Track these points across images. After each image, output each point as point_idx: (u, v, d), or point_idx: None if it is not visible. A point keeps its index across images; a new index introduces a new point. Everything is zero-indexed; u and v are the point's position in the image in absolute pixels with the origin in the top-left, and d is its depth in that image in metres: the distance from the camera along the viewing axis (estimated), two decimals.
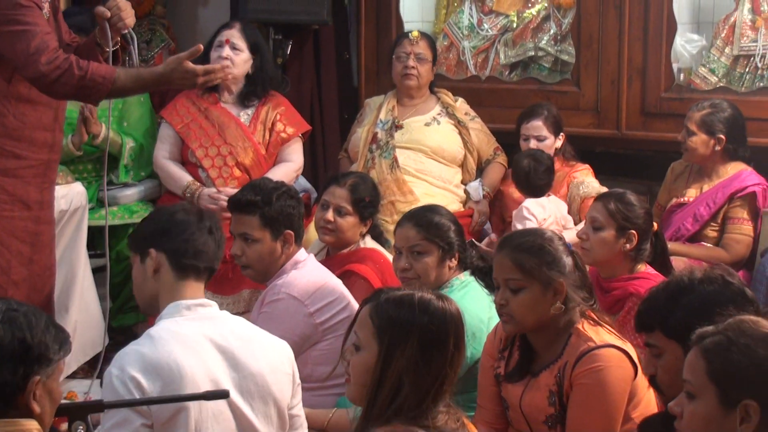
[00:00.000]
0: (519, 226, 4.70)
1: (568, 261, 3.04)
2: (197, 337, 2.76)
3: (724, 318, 2.43)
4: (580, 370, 2.95)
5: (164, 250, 2.87)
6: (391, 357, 2.38)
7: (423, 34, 5.39)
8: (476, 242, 3.85)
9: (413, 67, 5.26)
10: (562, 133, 5.14)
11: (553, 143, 5.10)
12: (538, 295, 3.00)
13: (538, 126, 5.09)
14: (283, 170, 5.00)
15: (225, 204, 4.78)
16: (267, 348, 2.88)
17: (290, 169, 5.05)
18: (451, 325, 2.43)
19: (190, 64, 3.56)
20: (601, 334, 3.00)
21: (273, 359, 2.87)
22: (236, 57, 5.02)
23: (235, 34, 5.05)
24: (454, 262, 3.71)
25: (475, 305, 3.59)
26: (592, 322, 3.03)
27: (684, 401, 2.23)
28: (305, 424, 3.01)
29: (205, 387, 2.69)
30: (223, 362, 2.77)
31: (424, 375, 2.37)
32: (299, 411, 2.96)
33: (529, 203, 4.77)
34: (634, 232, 3.74)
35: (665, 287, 2.70)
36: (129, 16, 3.72)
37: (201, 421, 2.71)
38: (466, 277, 3.71)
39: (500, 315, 3.08)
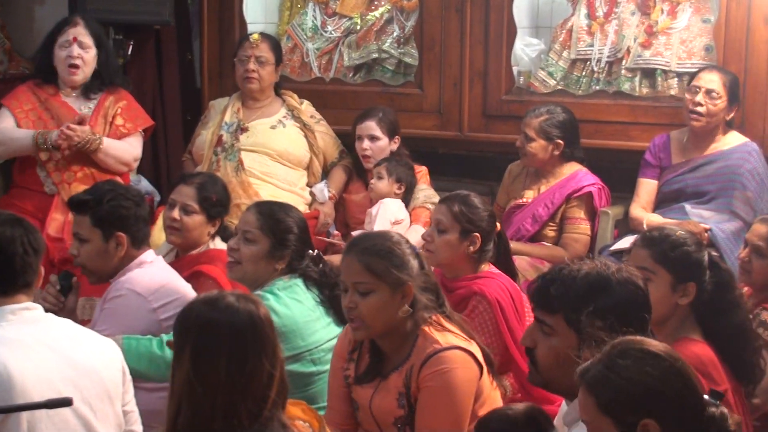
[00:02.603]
0: (376, 225, 4.78)
1: (414, 263, 3.06)
2: (26, 339, 2.70)
3: (636, 323, 2.50)
4: (426, 373, 2.98)
5: None
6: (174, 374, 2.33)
7: (265, 36, 5.35)
8: (323, 256, 3.79)
9: (254, 71, 5.23)
10: (397, 137, 5.17)
11: (387, 145, 5.13)
12: (386, 298, 3.01)
13: (371, 126, 5.13)
14: (121, 144, 4.97)
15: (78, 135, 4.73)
16: (97, 346, 2.84)
17: (127, 147, 4.99)
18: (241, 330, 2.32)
19: None
20: (447, 337, 3.03)
21: (105, 357, 2.83)
22: (86, 55, 4.93)
23: (80, 32, 4.93)
24: (281, 264, 3.65)
25: (293, 306, 3.56)
26: (439, 327, 3.05)
27: None
28: (139, 420, 2.96)
29: (37, 389, 2.62)
30: (56, 362, 2.71)
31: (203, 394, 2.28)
32: (133, 407, 2.93)
33: (389, 201, 4.85)
34: (477, 234, 3.79)
35: (585, 277, 2.61)
36: None
37: (35, 422, 2.63)
38: (291, 279, 3.64)
39: (350, 319, 3.08)
